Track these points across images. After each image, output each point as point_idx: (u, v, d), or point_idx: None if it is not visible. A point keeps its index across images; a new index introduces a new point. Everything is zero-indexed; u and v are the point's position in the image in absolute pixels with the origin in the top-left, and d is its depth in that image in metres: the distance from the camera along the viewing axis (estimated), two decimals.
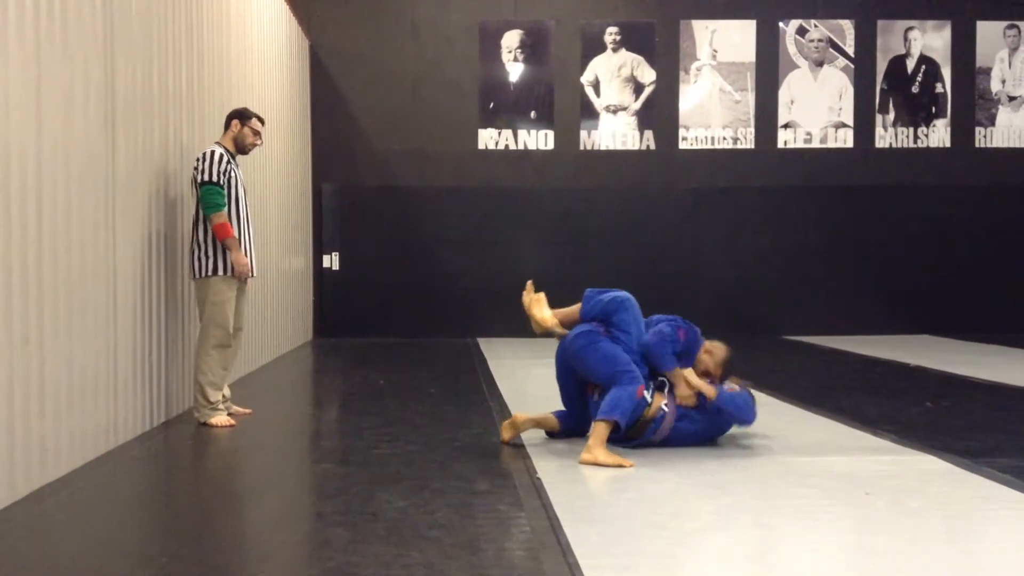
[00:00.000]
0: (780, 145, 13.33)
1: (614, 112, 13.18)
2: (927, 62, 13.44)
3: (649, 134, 13.20)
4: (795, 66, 13.34)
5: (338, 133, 12.97)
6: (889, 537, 3.90)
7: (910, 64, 13.45)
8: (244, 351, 7.91)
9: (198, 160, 6.35)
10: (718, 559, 3.74)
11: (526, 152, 13.13)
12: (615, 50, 13.19)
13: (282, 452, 5.93)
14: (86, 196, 5.19)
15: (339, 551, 3.67)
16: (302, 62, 12.26)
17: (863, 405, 7.18)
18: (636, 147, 13.19)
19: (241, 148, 6.60)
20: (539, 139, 13.15)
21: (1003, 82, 13.50)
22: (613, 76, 13.19)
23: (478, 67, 13.12)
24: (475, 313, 12.85)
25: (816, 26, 13.34)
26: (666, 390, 5.56)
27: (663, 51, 13.21)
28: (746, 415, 5.61)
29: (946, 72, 13.46)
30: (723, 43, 13.25)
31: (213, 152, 6.34)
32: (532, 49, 13.16)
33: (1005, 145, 13.52)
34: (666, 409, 5.48)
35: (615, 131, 13.18)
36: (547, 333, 5.82)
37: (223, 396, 6.42)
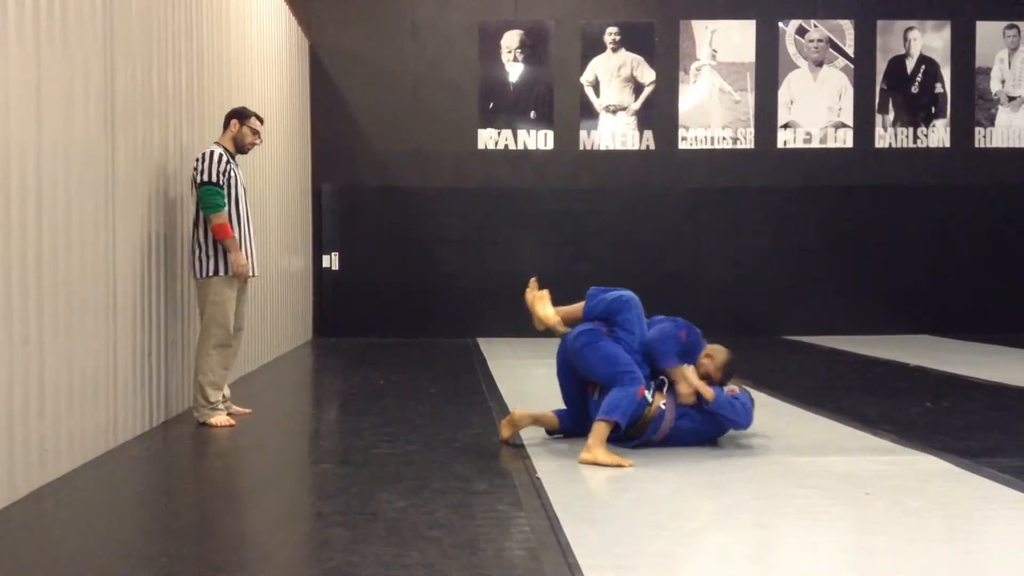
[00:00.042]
0: (780, 145, 13.33)
1: (614, 112, 13.18)
2: (927, 62, 13.44)
3: (649, 134, 13.20)
4: (795, 66, 13.34)
5: (338, 133, 12.97)
6: (889, 537, 3.90)
7: (910, 64, 13.45)
8: (244, 351, 7.91)
9: (197, 160, 6.34)
10: (718, 559, 3.74)
11: (526, 152, 13.14)
12: (615, 50, 13.19)
13: (282, 452, 5.93)
14: (86, 196, 5.19)
15: (339, 551, 3.67)
16: (302, 62, 12.26)
17: (863, 405, 7.18)
18: (636, 147, 13.19)
19: (241, 147, 6.59)
20: (539, 139, 13.15)
21: (1003, 82, 13.51)
22: (613, 76, 13.19)
23: (478, 67, 13.12)
24: (475, 313, 12.85)
25: (816, 26, 13.35)
26: (665, 390, 5.55)
27: (663, 51, 13.21)
28: (741, 419, 5.60)
29: (946, 72, 13.47)
30: (723, 43, 13.26)
31: (212, 152, 6.33)
32: (532, 49, 13.17)
33: (1005, 145, 13.53)
34: (664, 408, 5.48)
35: (615, 131, 13.18)
36: (549, 331, 5.82)
37: (223, 396, 6.42)
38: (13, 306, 4.38)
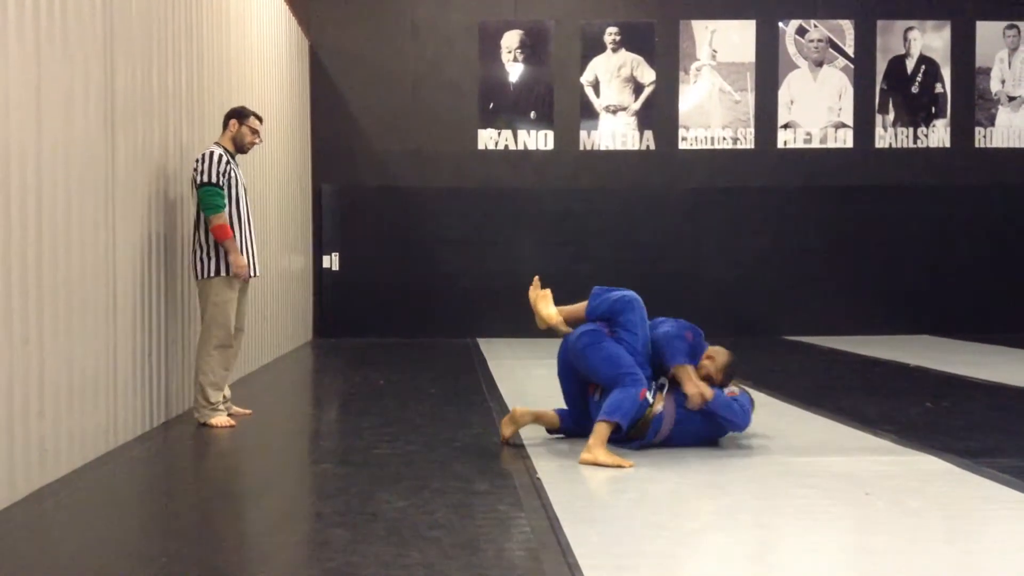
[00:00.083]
0: (780, 145, 13.33)
1: (614, 112, 13.18)
2: (927, 62, 13.45)
3: (649, 134, 13.20)
4: (795, 66, 13.34)
5: (338, 133, 12.97)
6: (889, 537, 3.90)
7: (910, 64, 13.45)
8: (244, 351, 7.90)
9: (197, 161, 6.34)
10: (718, 559, 3.74)
11: (526, 152, 13.14)
12: (615, 50, 13.19)
13: (282, 452, 5.93)
14: (86, 196, 5.19)
15: (339, 551, 3.67)
16: (302, 62, 12.26)
17: (863, 405, 7.18)
18: (636, 147, 13.19)
19: (240, 147, 6.59)
20: (539, 139, 13.15)
21: (1003, 82, 13.51)
22: (613, 76, 13.19)
23: (478, 67, 13.12)
24: (475, 313, 12.85)
25: (816, 26, 13.35)
26: (666, 392, 5.54)
27: (663, 51, 13.22)
28: (740, 421, 5.59)
29: (946, 72, 13.47)
30: (723, 43, 13.26)
31: (212, 153, 6.33)
32: (532, 49, 13.17)
33: (1005, 145, 13.53)
34: (664, 410, 5.47)
35: (615, 131, 13.18)
36: (550, 330, 5.82)
37: (224, 397, 6.42)
38: (13, 306, 4.38)
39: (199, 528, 4.19)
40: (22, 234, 4.47)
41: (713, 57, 13.24)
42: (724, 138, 13.27)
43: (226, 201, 6.29)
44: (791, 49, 13.34)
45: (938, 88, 13.47)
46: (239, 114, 6.58)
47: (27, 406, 4.49)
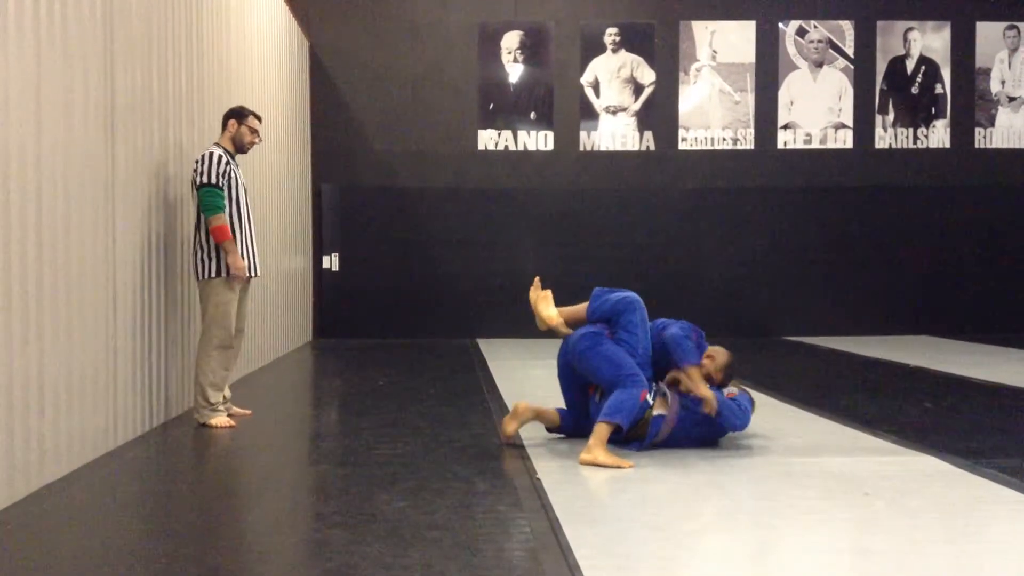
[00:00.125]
0: (780, 146, 13.33)
1: (614, 113, 13.18)
2: (927, 63, 13.45)
3: (649, 135, 13.20)
4: (795, 67, 13.35)
5: (338, 133, 12.97)
6: (888, 537, 3.90)
7: (910, 65, 13.45)
8: (244, 352, 7.91)
9: (197, 162, 6.34)
10: (718, 560, 3.74)
11: (526, 153, 13.14)
12: (615, 51, 13.19)
13: (281, 453, 5.93)
14: (85, 196, 5.19)
15: (338, 552, 3.67)
16: (302, 63, 12.26)
17: (863, 405, 7.18)
18: (636, 148, 13.19)
19: (240, 147, 6.58)
20: (539, 140, 13.15)
21: (1003, 83, 13.51)
22: (613, 77, 13.20)
23: (478, 68, 13.12)
24: (475, 314, 12.85)
25: (816, 27, 13.35)
26: (665, 395, 5.53)
27: (663, 52, 13.22)
28: (739, 422, 5.59)
29: (946, 73, 13.47)
30: (723, 44, 13.26)
31: (212, 154, 6.33)
32: (532, 50, 13.17)
33: (1005, 146, 13.53)
34: (666, 414, 5.47)
35: (615, 132, 13.19)
36: (551, 331, 5.81)
37: (223, 397, 6.42)
38: (13, 306, 4.38)
39: (199, 528, 4.19)
40: (22, 234, 4.48)
41: (713, 58, 13.25)
42: (724, 139, 13.27)
43: (226, 202, 6.29)
44: (791, 50, 13.34)
45: (938, 89, 13.47)
46: (238, 114, 6.57)
47: (27, 406, 4.49)
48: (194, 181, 6.32)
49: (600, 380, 5.49)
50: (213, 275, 6.29)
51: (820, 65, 13.35)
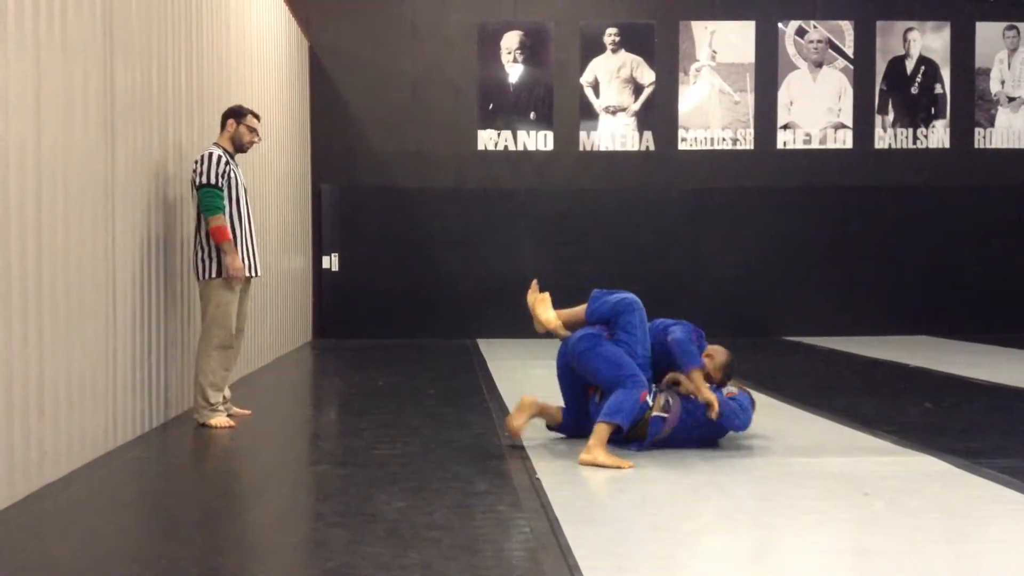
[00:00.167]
0: (779, 146, 13.33)
1: (613, 113, 13.18)
2: (926, 63, 13.45)
3: (648, 135, 13.20)
4: (794, 67, 13.35)
5: (338, 133, 12.97)
6: (888, 537, 3.90)
7: (909, 65, 13.45)
8: (244, 352, 7.90)
9: (196, 163, 6.33)
10: (717, 560, 3.74)
11: (526, 153, 13.14)
12: (614, 51, 13.19)
13: (281, 453, 5.93)
14: (85, 196, 5.19)
15: (338, 552, 3.67)
16: (301, 63, 12.26)
17: (862, 405, 7.18)
18: (635, 148, 13.19)
19: (239, 146, 6.57)
20: (538, 140, 13.15)
21: (1002, 83, 13.51)
22: (612, 77, 13.20)
23: (477, 68, 13.12)
24: (474, 314, 12.85)
25: (815, 27, 13.35)
26: (664, 398, 5.52)
27: (662, 52, 13.22)
28: (739, 422, 5.58)
29: (945, 73, 13.47)
30: (722, 44, 13.26)
31: (211, 154, 6.32)
32: (531, 50, 13.17)
33: (1004, 146, 13.53)
34: (666, 416, 5.46)
35: (614, 132, 13.19)
36: (550, 333, 5.81)
37: (223, 397, 6.42)
38: (13, 306, 4.38)
39: (198, 528, 4.19)
40: (21, 234, 4.47)
41: (713, 58, 13.25)
42: (724, 139, 13.27)
43: (226, 202, 6.28)
44: (791, 50, 13.34)
45: (938, 89, 13.47)
46: (236, 113, 6.56)
47: (26, 407, 4.49)
48: (193, 182, 6.31)
49: (600, 381, 5.48)
50: (213, 275, 6.29)
51: (820, 65, 13.35)
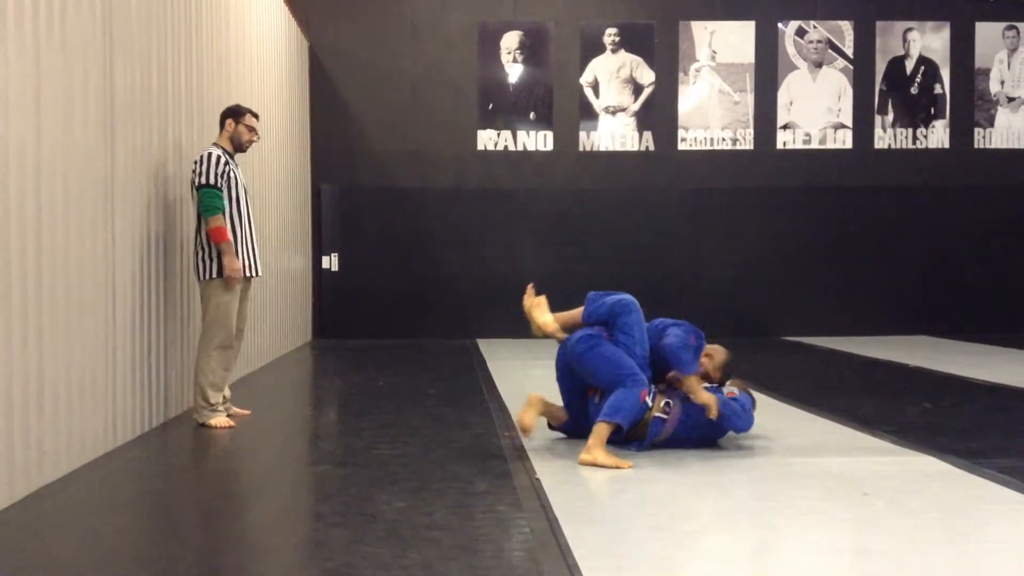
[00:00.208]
0: (779, 146, 13.33)
1: (613, 113, 13.18)
2: (926, 63, 13.45)
3: (648, 135, 13.20)
4: (794, 67, 13.35)
5: (337, 134, 12.96)
6: (888, 537, 3.90)
7: (909, 65, 13.45)
8: (243, 352, 7.90)
9: (196, 163, 6.33)
10: (718, 560, 3.74)
11: (525, 153, 13.14)
12: (614, 51, 13.19)
13: (281, 453, 5.93)
14: (85, 196, 5.19)
15: (338, 552, 3.67)
16: (301, 63, 12.26)
17: (862, 406, 7.18)
18: (635, 148, 13.19)
19: (239, 146, 6.56)
20: (538, 140, 13.15)
21: (1002, 83, 13.51)
22: (612, 77, 13.19)
23: (477, 68, 13.12)
24: (474, 314, 12.85)
25: (815, 27, 13.35)
26: (664, 398, 5.52)
27: (662, 52, 13.22)
28: (740, 423, 5.58)
29: (945, 73, 13.47)
30: (722, 44, 13.26)
31: (211, 154, 6.32)
32: (531, 50, 13.17)
33: (1004, 146, 13.53)
34: (666, 417, 5.46)
35: (614, 132, 13.19)
36: (547, 337, 5.80)
37: (223, 397, 6.42)
38: (13, 306, 4.38)
39: (198, 529, 4.19)
40: (21, 234, 4.47)
41: (712, 58, 13.25)
42: (723, 139, 13.27)
43: (225, 202, 6.27)
44: (790, 50, 13.35)
45: (937, 89, 13.47)
46: (235, 112, 6.55)
47: (26, 407, 4.49)
48: (193, 182, 6.31)
49: (600, 381, 5.48)
50: (214, 276, 6.28)
51: (819, 65, 13.35)
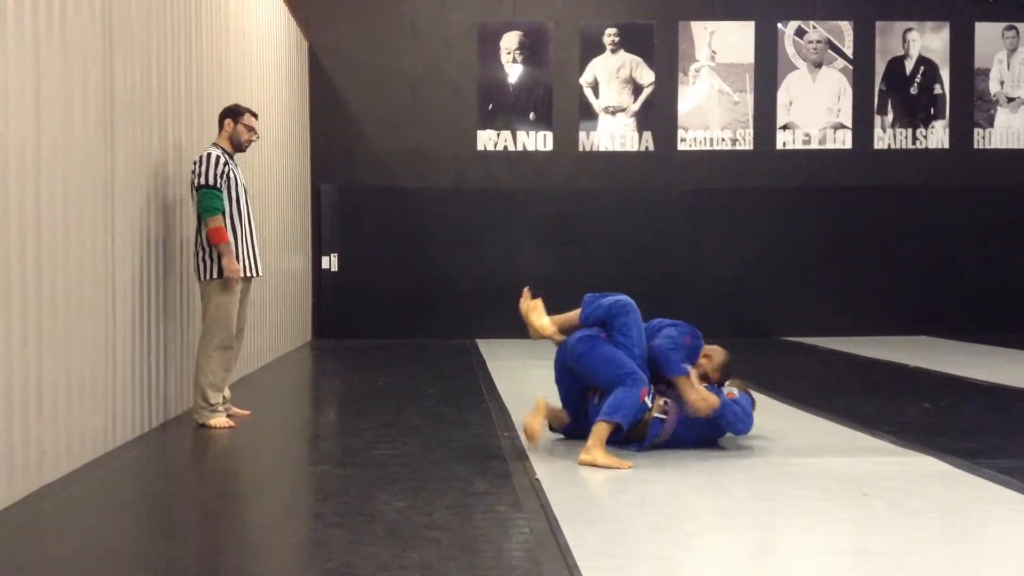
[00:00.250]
0: (779, 146, 13.33)
1: (613, 113, 13.18)
2: (926, 63, 13.45)
3: (648, 135, 13.20)
4: (794, 67, 13.35)
5: (337, 133, 12.96)
6: (888, 537, 3.90)
7: (909, 65, 13.45)
8: (243, 352, 7.90)
9: (195, 163, 6.32)
10: (718, 560, 3.74)
11: (525, 153, 13.13)
12: (614, 51, 13.19)
13: (281, 453, 5.93)
14: (85, 196, 5.19)
15: (338, 552, 3.67)
16: (301, 63, 12.26)
17: (862, 406, 7.18)
18: (635, 148, 13.19)
19: (238, 146, 6.56)
20: (538, 140, 13.15)
21: (1001, 83, 13.51)
22: (612, 77, 13.19)
23: (477, 68, 13.11)
24: (474, 314, 12.85)
25: (815, 27, 13.35)
26: (664, 401, 5.51)
27: (662, 52, 13.22)
28: (740, 424, 5.56)
29: (945, 73, 13.47)
30: (722, 44, 13.26)
31: (210, 155, 6.31)
32: (531, 50, 13.17)
33: (1003, 146, 13.53)
34: (665, 417, 5.46)
35: (614, 132, 13.19)
36: (544, 339, 5.79)
37: (223, 397, 6.41)
38: (13, 306, 4.38)
39: (198, 529, 4.19)
40: (21, 233, 4.47)
41: (712, 58, 13.25)
42: (723, 139, 13.27)
43: (225, 203, 6.27)
44: (790, 50, 13.35)
45: (937, 89, 13.47)
46: (233, 112, 6.54)
47: (26, 407, 4.49)
48: (193, 183, 6.31)
49: (599, 381, 5.48)
50: (214, 276, 6.28)
51: (819, 65, 13.35)
